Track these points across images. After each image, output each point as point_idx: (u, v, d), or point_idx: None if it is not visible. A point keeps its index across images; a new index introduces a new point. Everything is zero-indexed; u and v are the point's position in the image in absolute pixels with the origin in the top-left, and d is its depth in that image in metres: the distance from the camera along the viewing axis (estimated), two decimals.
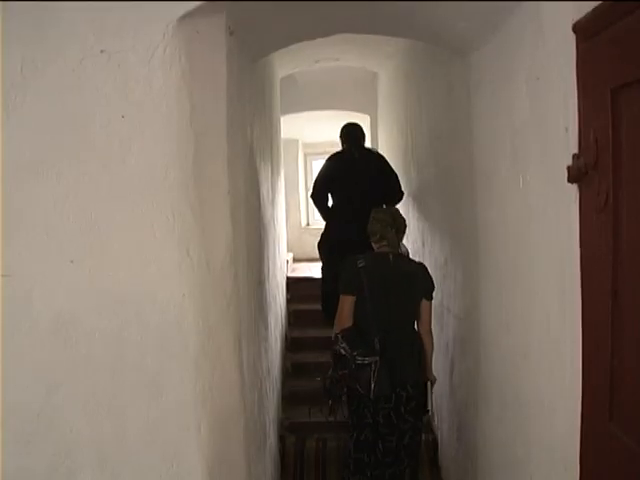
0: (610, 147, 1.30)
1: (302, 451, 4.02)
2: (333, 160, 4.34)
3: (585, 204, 1.44)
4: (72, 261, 1.69)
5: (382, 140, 6.46)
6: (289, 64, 4.81)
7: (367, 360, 2.71)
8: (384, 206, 3.69)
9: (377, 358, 2.70)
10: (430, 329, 2.97)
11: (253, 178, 2.82)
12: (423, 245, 4.08)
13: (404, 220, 3.02)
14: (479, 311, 2.61)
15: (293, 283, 5.59)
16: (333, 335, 2.88)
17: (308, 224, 8.45)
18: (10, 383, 1.71)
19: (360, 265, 2.84)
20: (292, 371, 4.76)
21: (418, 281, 2.91)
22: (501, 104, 2.12)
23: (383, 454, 2.94)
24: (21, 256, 1.68)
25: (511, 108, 1.99)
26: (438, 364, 3.79)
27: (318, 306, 5.36)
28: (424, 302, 2.91)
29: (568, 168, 1.48)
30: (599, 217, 1.36)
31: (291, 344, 5.01)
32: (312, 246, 7.67)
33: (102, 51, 1.63)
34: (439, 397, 3.80)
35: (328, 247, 4.20)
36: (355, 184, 4.07)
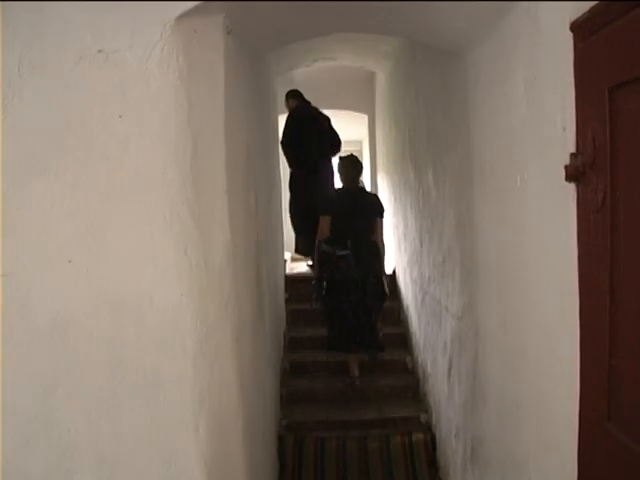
0: (607, 146, 1.30)
1: (300, 450, 4.01)
2: (295, 115, 5.36)
3: (583, 203, 1.44)
4: (70, 261, 1.68)
5: (380, 139, 6.46)
6: (287, 63, 4.80)
7: (343, 253, 4.02)
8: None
9: (349, 252, 4.01)
10: (383, 238, 4.31)
11: (251, 177, 2.82)
12: (421, 244, 4.09)
13: (362, 164, 4.53)
14: (477, 310, 2.61)
15: (291, 282, 5.58)
16: (316, 243, 4.17)
17: None
18: (8, 384, 1.71)
19: (332, 196, 4.40)
20: (290, 370, 4.75)
21: (373, 205, 4.30)
22: (499, 103, 2.11)
23: (357, 326, 4.17)
24: (19, 256, 1.68)
25: (508, 107, 1.99)
26: (436, 363, 3.80)
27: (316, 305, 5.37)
28: (378, 220, 4.25)
29: (566, 167, 1.48)
30: (596, 216, 1.36)
31: (289, 343, 5.01)
32: None
33: (99, 51, 1.63)
34: (437, 397, 3.81)
35: (297, 186, 5.52)
36: (314, 137, 5.24)
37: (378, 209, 4.29)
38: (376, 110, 6.68)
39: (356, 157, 4.45)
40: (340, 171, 4.35)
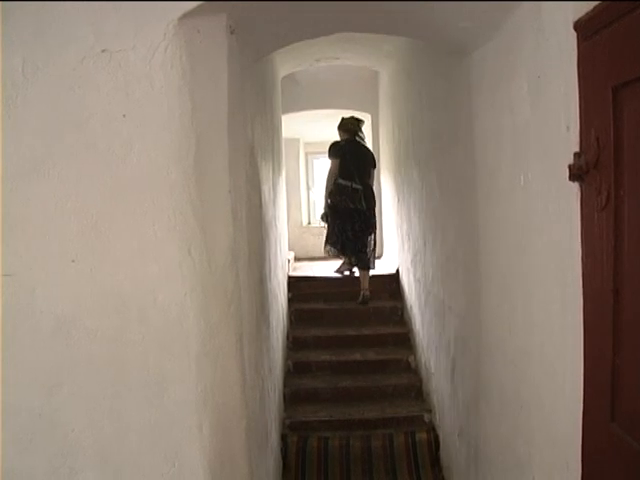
0: (611, 145, 1.30)
1: (304, 450, 4.02)
2: None
3: (586, 202, 1.44)
4: (74, 260, 1.69)
5: (383, 139, 6.46)
6: (290, 63, 4.81)
7: (358, 187, 5.24)
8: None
9: (361, 186, 5.26)
10: (373, 184, 5.55)
11: (254, 177, 2.82)
12: (425, 244, 4.09)
13: (363, 122, 5.62)
14: (480, 310, 2.61)
15: (294, 282, 5.59)
16: (326, 184, 5.44)
17: (309, 223, 8.45)
18: (12, 383, 1.71)
19: (341, 144, 5.42)
20: (294, 370, 4.76)
21: (369, 156, 5.52)
22: (502, 102, 2.11)
23: (353, 247, 5.34)
24: (23, 256, 1.68)
25: (512, 106, 1.99)
26: (439, 363, 3.80)
27: (319, 305, 5.40)
28: (372, 169, 5.49)
29: (569, 166, 1.48)
30: (600, 215, 1.36)
31: (292, 343, 5.02)
32: (313, 245, 7.69)
33: (103, 51, 1.63)
34: (440, 396, 3.81)
35: None
36: None
37: (373, 160, 5.52)
38: (379, 110, 6.68)
39: (357, 118, 5.56)
40: (346, 127, 5.46)
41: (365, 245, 5.36)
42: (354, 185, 5.21)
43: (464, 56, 2.55)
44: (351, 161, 5.25)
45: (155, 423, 1.76)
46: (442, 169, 3.41)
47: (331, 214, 5.38)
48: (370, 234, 5.44)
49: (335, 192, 5.28)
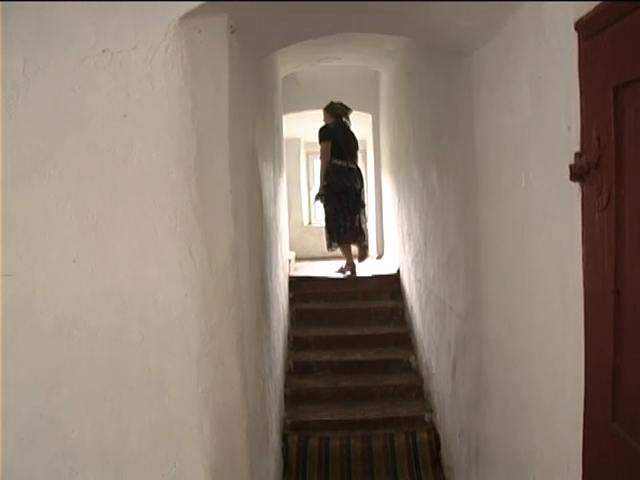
0: (612, 145, 1.30)
1: (305, 450, 4.02)
2: None
3: (587, 202, 1.44)
4: (74, 261, 1.69)
5: (384, 138, 6.46)
6: (291, 63, 4.81)
7: (353, 166, 5.62)
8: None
9: (355, 166, 5.67)
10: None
11: (255, 177, 2.82)
12: (425, 244, 4.08)
13: (350, 109, 5.81)
14: (481, 310, 2.61)
15: (295, 282, 5.59)
16: (326, 160, 5.54)
17: (310, 223, 8.45)
18: (12, 383, 1.71)
19: (331, 127, 5.64)
20: (294, 370, 4.76)
21: (355, 139, 5.77)
22: (503, 102, 2.11)
23: (350, 224, 5.65)
24: (23, 256, 1.68)
25: (513, 106, 1.99)
26: (440, 363, 3.80)
27: (320, 305, 5.40)
28: (357, 151, 5.80)
29: (570, 166, 1.48)
30: (601, 215, 1.36)
31: (293, 343, 5.01)
32: (314, 245, 7.68)
33: (104, 51, 1.63)
34: (441, 396, 3.81)
35: None
36: None
37: (357, 143, 5.85)
38: (380, 110, 6.67)
39: (344, 105, 5.79)
40: (335, 111, 5.68)
41: (353, 222, 5.67)
42: (349, 164, 5.55)
43: (465, 56, 2.55)
44: (342, 143, 5.55)
45: (156, 423, 1.76)
46: (443, 169, 3.40)
47: (327, 194, 5.59)
48: (360, 211, 5.78)
49: (332, 172, 5.50)
